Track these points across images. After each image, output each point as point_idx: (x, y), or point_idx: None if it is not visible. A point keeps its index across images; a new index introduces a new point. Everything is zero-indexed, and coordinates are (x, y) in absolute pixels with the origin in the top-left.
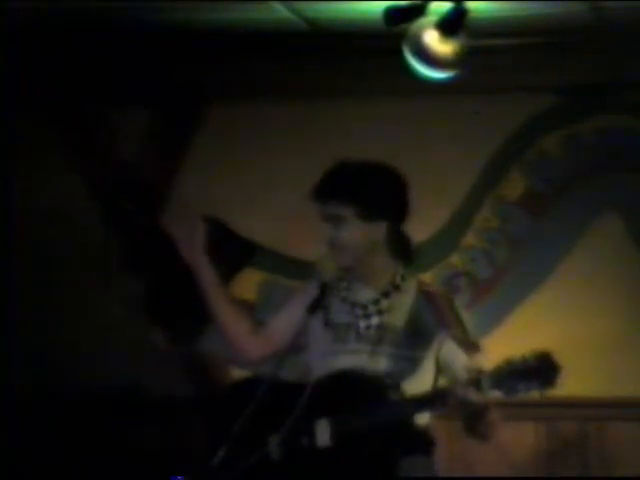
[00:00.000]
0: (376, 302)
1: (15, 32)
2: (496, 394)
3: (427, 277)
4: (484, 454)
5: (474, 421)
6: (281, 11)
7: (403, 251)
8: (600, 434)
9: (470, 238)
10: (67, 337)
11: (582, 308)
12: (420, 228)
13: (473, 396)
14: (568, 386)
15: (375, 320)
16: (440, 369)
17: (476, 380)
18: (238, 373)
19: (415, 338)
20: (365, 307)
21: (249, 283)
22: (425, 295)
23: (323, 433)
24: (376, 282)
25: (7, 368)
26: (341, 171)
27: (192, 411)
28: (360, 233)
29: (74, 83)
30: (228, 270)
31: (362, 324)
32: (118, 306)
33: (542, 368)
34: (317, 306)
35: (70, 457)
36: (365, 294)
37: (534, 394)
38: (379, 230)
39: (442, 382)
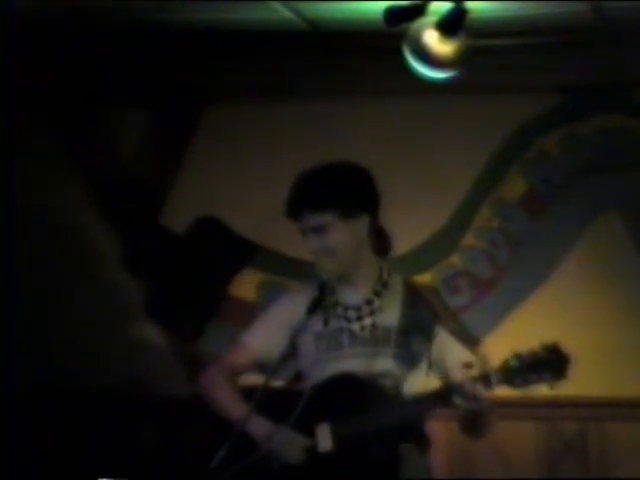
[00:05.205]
0: (369, 302)
1: (16, 32)
2: (505, 389)
3: (427, 277)
4: (484, 454)
5: (474, 419)
6: (281, 11)
7: (382, 245)
8: (600, 434)
9: (470, 238)
10: (67, 337)
11: (582, 308)
12: (420, 228)
13: (482, 393)
14: (568, 386)
15: (368, 321)
16: (431, 365)
17: (484, 376)
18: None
19: (410, 335)
20: (359, 309)
21: (249, 283)
22: (413, 290)
23: (324, 438)
24: (365, 282)
25: (7, 368)
26: (309, 181)
27: (192, 411)
28: (346, 234)
29: (74, 83)
30: (228, 270)
31: (355, 326)
32: (118, 305)
33: (551, 359)
34: (317, 306)
35: (70, 457)
36: (357, 295)
37: (538, 391)
38: (362, 226)
39: (433, 378)
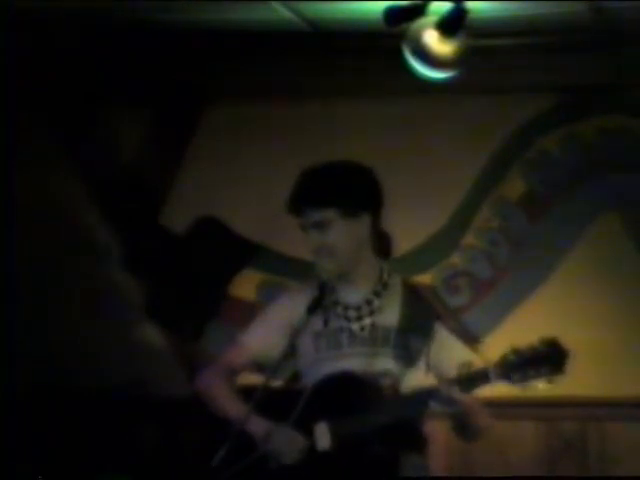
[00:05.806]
0: (369, 302)
1: (16, 32)
2: (504, 388)
3: (427, 277)
4: (484, 454)
5: (460, 423)
6: (281, 11)
7: (383, 247)
8: (600, 434)
9: (470, 238)
10: (68, 337)
11: (582, 308)
12: (421, 228)
13: (459, 396)
14: (568, 386)
15: (367, 321)
16: (429, 366)
17: (483, 372)
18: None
19: (410, 335)
20: (359, 309)
21: (249, 283)
22: (412, 290)
23: (322, 437)
24: (365, 282)
25: (7, 368)
26: (312, 177)
27: (192, 411)
28: (346, 233)
29: (74, 83)
30: (228, 270)
31: (355, 326)
32: (118, 305)
33: (550, 354)
34: (317, 306)
35: (70, 457)
36: (357, 295)
37: (535, 389)
38: (363, 226)
39: (430, 378)
